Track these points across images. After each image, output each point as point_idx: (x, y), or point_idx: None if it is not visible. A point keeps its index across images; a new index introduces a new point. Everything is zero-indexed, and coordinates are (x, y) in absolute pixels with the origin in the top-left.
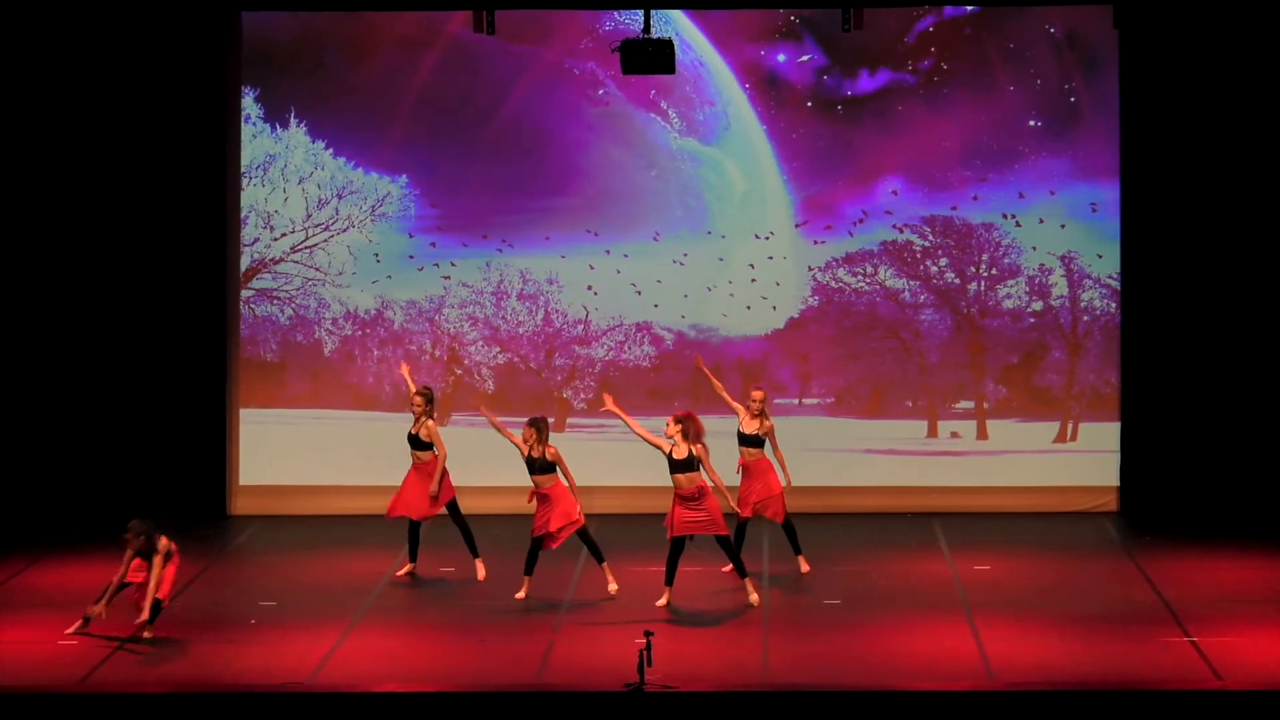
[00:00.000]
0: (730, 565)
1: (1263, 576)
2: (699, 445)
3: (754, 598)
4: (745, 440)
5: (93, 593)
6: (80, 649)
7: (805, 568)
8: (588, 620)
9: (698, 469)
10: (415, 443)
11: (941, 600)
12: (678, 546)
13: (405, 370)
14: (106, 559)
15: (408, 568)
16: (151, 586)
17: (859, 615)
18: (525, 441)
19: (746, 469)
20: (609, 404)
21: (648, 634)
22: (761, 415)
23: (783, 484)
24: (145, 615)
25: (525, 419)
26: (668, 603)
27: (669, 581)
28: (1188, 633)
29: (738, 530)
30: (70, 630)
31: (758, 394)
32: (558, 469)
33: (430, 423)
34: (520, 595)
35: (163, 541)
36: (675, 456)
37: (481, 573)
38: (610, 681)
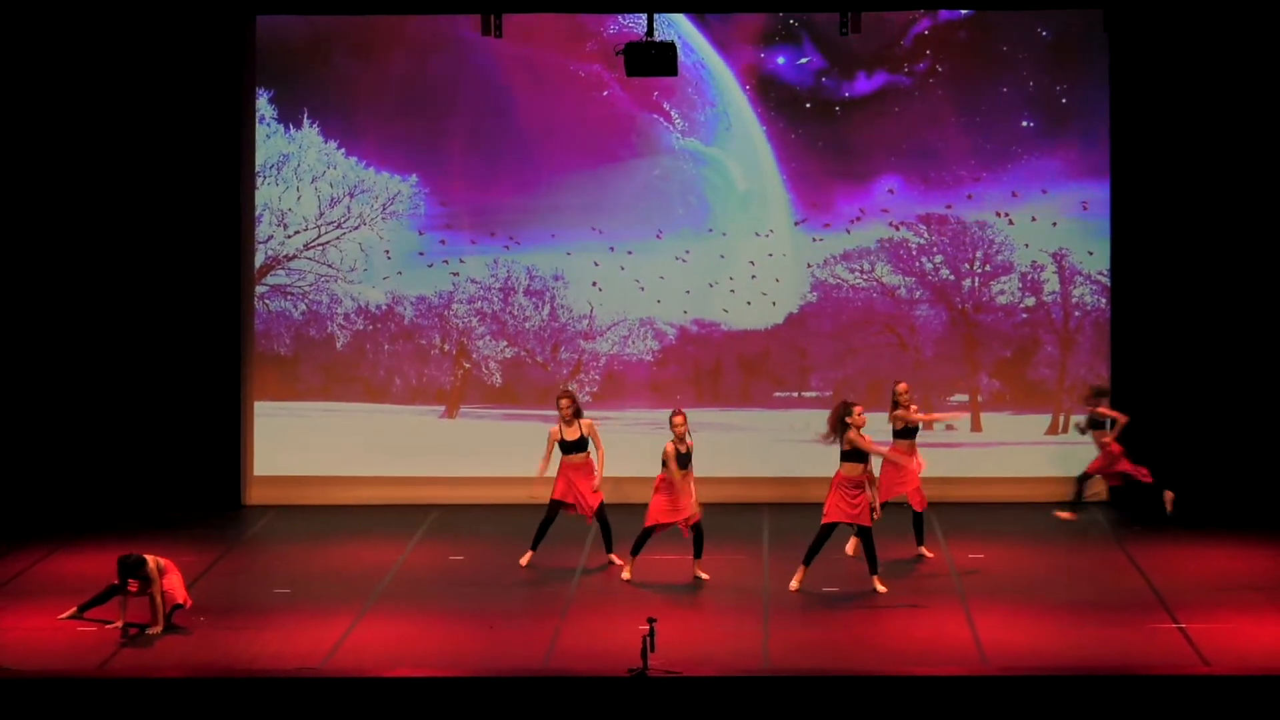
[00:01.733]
0: (855, 542)
1: (1249, 565)
2: (868, 438)
3: (881, 588)
4: (902, 434)
5: (108, 578)
6: (99, 635)
7: (929, 554)
8: (593, 607)
9: (867, 460)
10: (572, 447)
11: (937, 587)
12: (829, 532)
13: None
14: (125, 548)
15: (622, 564)
16: (160, 607)
17: (856, 603)
18: (680, 438)
19: (893, 459)
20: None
21: (651, 620)
22: (910, 405)
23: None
24: (159, 628)
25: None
26: (800, 586)
27: (807, 563)
28: (1176, 619)
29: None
30: (65, 615)
31: (903, 385)
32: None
33: (584, 421)
34: (626, 577)
35: (149, 565)
36: (846, 448)
37: (621, 564)
38: (615, 667)
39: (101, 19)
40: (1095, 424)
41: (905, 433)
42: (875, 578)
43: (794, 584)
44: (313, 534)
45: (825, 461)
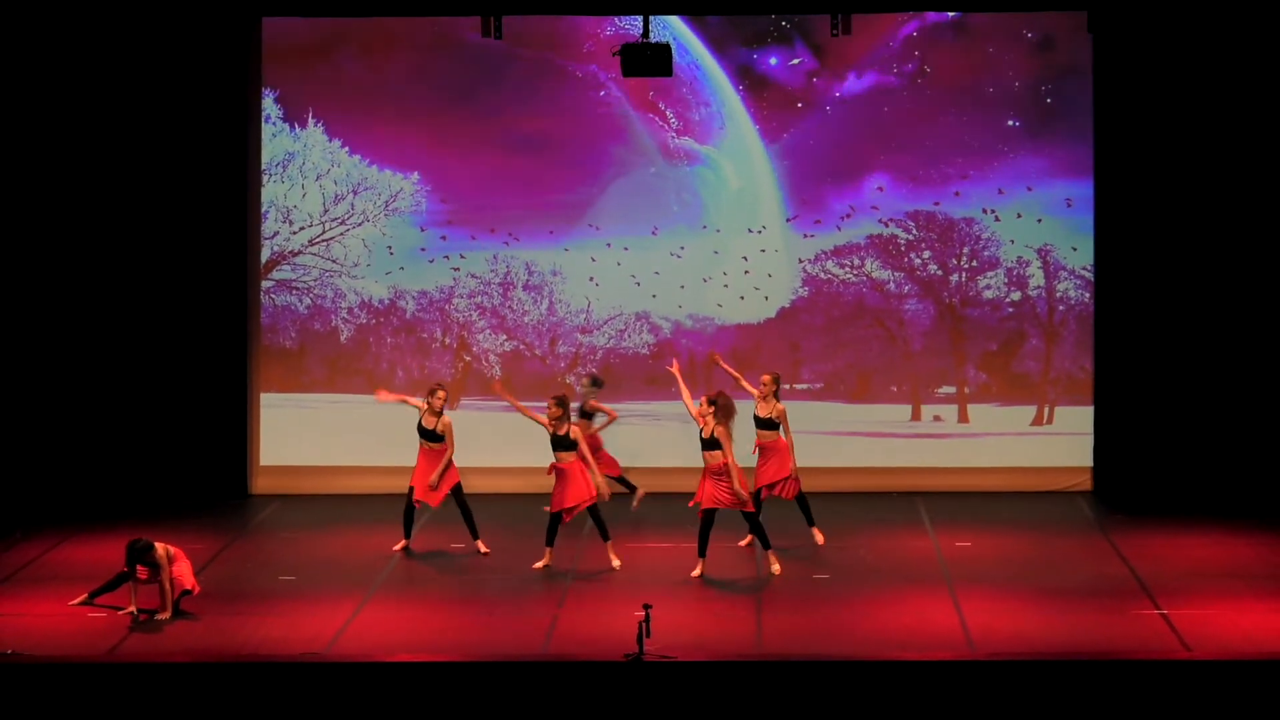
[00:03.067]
0: (750, 538)
1: (1229, 552)
2: (722, 428)
3: (776, 568)
4: (760, 423)
5: (118, 565)
6: (109, 621)
7: (820, 539)
8: (591, 594)
9: (720, 448)
10: (429, 435)
11: (925, 575)
12: (709, 519)
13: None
14: (134, 536)
15: (402, 544)
16: (169, 593)
17: (847, 589)
18: (550, 419)
19: (762, 450)
20: (676, 368)
21: (647, 607)
22: (774, 398)
23: (793, 464)
24: (168, 614)
25: (550, 398)
26: (701, 574)
27: (702, 554)
28: (1158, 605)
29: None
30: (75, 601)
31: (765, 377)
32: (578, 448)
33: (447, 418)
34: (539, 565)
35: (158, 552)
36: (704, 435)
37: (483, 549)
38: (612, 652)
39: (114, 24)
40: (585, 414)
41: (767, 424)
42: (770, 553)
43: (695, 573)
44: (317, 522)
45: (815, 451)
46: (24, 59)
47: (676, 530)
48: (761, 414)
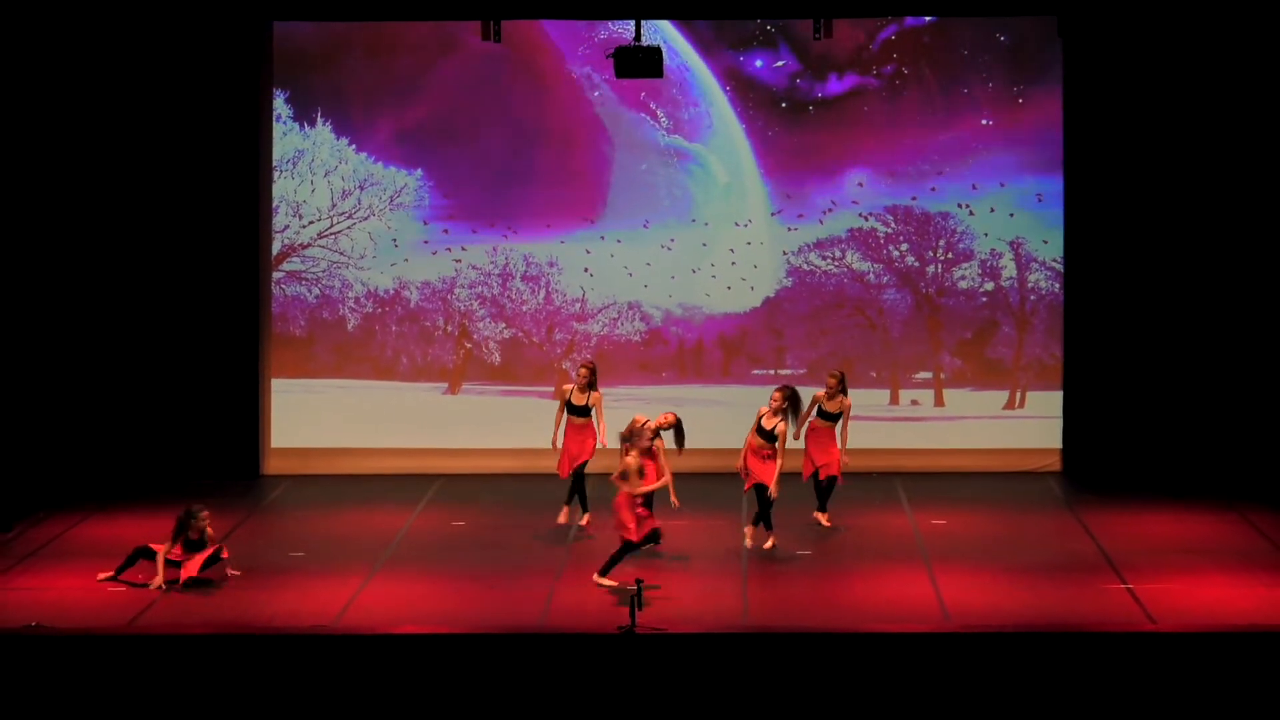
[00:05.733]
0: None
1: (1191, 529)
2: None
3: (768, 544)
4: (824, 415)
5: (137, 541)
6: (129, 595)
7: (825, 523)
8: (586, 569)
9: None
10: (579, 411)
11: (903, 551)
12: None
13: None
14: (153, 513)
15: (585, 519)
16: (216, 544)
17: (829, 565)
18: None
19: (816, 434)
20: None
21: (639, 581)
22: (841, 394)
23: (840, 451)
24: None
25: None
26: (772, 545)
27: (770, 527)
28: (1124, 580)
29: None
30: (103, 577)
31: (833, 379)
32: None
33: (595, 394)
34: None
35: (210, 532)
36: (765, 426)
37: (585, 520)
38: (605, 624)
39: (134, 31)
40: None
41: (833, 416)
42: (757, 529)
43: (768, 544)
44: (325, 501)
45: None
46: (52, 62)
47: (665, 508)
48: (831, 409)
